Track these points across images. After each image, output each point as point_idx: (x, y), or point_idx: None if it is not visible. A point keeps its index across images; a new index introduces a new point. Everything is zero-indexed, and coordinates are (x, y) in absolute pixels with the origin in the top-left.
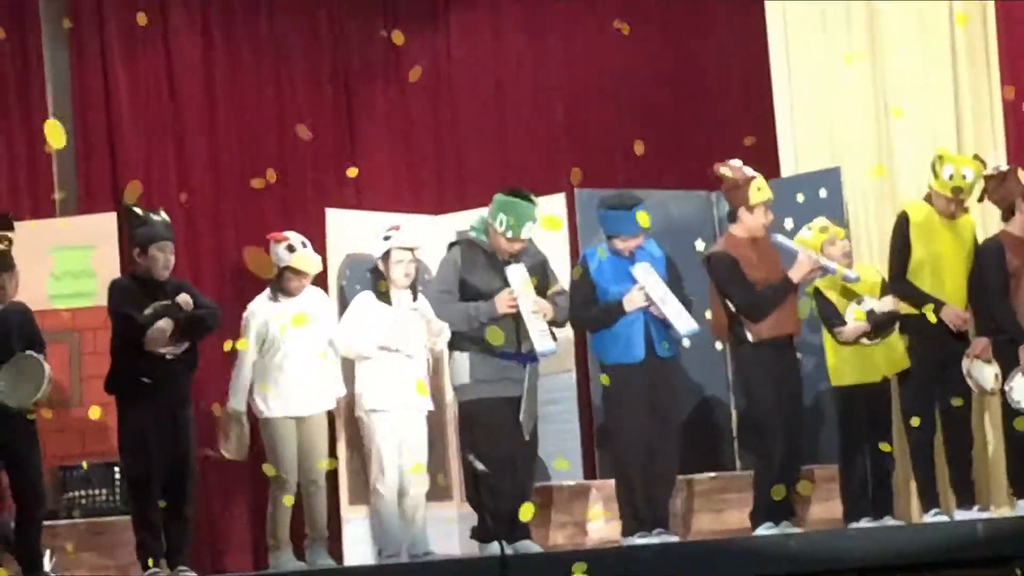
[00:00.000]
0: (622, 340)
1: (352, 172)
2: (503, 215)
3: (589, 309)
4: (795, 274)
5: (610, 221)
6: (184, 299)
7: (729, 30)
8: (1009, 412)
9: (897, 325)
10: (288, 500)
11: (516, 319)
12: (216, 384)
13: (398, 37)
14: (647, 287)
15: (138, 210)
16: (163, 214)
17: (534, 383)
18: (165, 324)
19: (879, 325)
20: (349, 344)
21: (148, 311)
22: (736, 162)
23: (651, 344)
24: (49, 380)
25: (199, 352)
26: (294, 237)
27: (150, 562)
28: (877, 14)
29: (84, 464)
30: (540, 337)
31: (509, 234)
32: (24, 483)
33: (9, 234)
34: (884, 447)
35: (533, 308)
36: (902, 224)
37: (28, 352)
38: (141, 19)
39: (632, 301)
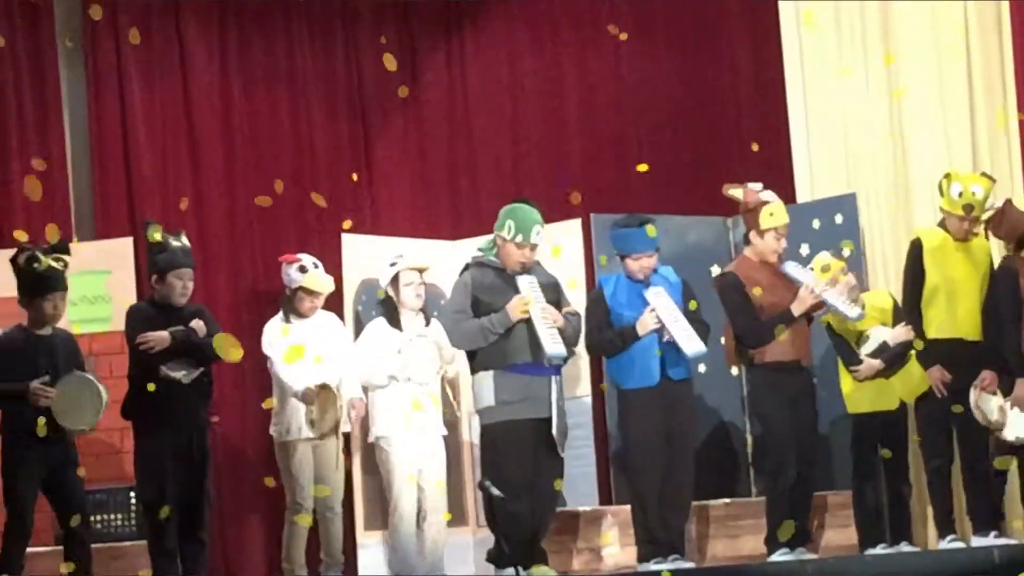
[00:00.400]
0: (638, 365)
1: (354, 177)
2: (509, 221)
3: (604, 333)
4: (796, 308)
5: (621, 239)
6: (198, 325)
7: (744, 55)
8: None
9: (912, 354)
10: (306, 520)
11: (530, 330)
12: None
13: (390, 62)
14: (658, 309)
15: (158, 235)
16: (183, 239)
17: (561, 396)
18: (162, 336)
19: (893, 359)
20: (361, 374)
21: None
22: (756, 185)
23: (664, 368)
24: (106, 403)
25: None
26: (306, 258)
27: None
28: (892, 37)
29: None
30: (551, 341)
31: (519, 239)
32: (72, 506)
33: (66, 258)
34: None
35: (543, 314)
36: (915, 250)
37: (85, 374)
38: (134, 36)
39: (644, 324)
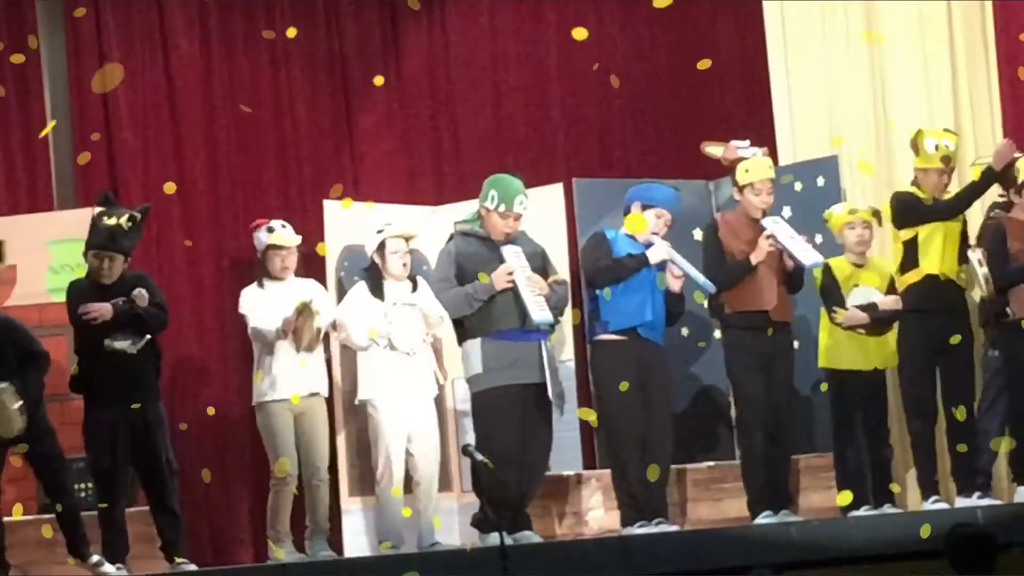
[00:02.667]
0: (634, 302)
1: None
2: (493, 191)
3: (610, 260)
4: (754, 256)
5: (653, 191)
6: (139, 294)
7: (726, 19)
8: (1013, 403)
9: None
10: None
11: (517, 298)
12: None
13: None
14: (667, 249)
15: (98, 210)
16: (122, 219)
17: (553, 359)
18: (104, 307)
19: (879, 321)
20: (346, 333)
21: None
22: (741, 142)
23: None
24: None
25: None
26: (274, 221)
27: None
28: (875, 4)
29: None
30: (537, 308)
31: (502, 208)
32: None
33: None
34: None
35: (528, 283)
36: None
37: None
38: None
39: (656, 252)
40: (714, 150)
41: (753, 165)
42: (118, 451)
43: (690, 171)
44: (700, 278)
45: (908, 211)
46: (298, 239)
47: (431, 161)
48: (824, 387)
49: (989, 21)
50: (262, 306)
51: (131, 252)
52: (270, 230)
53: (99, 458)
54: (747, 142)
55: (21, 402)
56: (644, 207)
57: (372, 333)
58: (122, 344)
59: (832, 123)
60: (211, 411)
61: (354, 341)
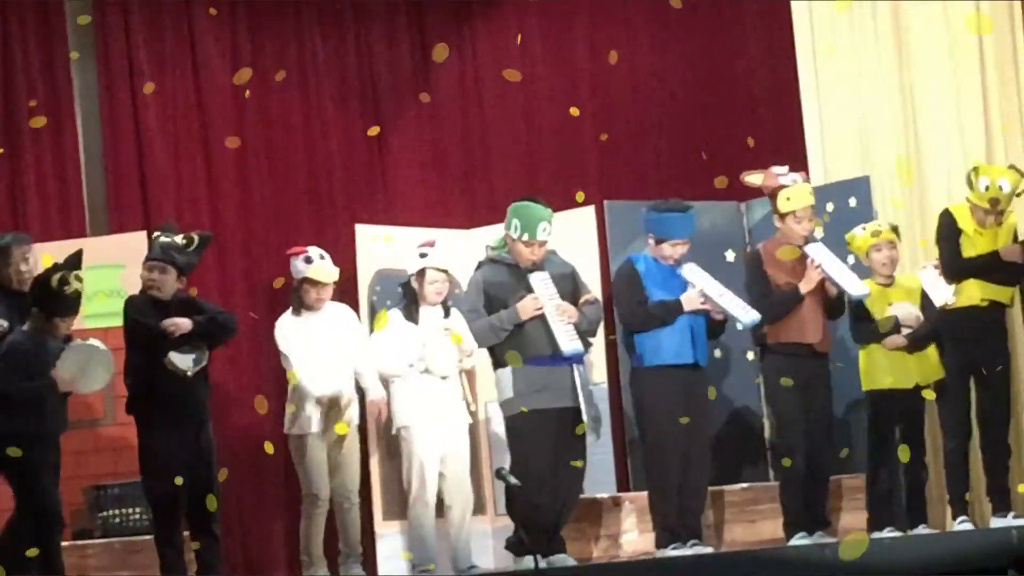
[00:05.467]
0: (672, 341)
1: (374, 131)
2: (516, 220)
3: (644, 307)
4: (803, 285)
5: (663, 223)
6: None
7: (757, 41)
8: None
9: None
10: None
11: (546, 325)
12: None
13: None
14: (702, 285)
15: (156, 232)
16: (169, 237)
17: (587, 383)
18: (184, 321)
19: (918, 340)
20: (380, 363)
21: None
22: (780, 169)
23: (697, 351)
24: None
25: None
26: (313, 250)
27: None
28: (904, 19)
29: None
30: (565, 338)
31: (525, 237)
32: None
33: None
34: (903, 454)
35: (557, 312)
36: (948, 218)
37: (89, 341)
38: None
39: (690, 300)
40: (754, 179)
41: (794, 193)
42: (174, 473)
43: (721, 192)
44: (742, 316)
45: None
46: (335, 274)
47: (463, 184)
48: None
49: (1021, 45)
50: (296, 336)
51: (187, 272)
52: (308, 260)
53: (157, 482)
54: (786, 168)
55: (111, 357)
56: (659, 241)
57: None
58: (184, 362)
59: (863, 144)
60: (270, 448)
61: (388, 370)
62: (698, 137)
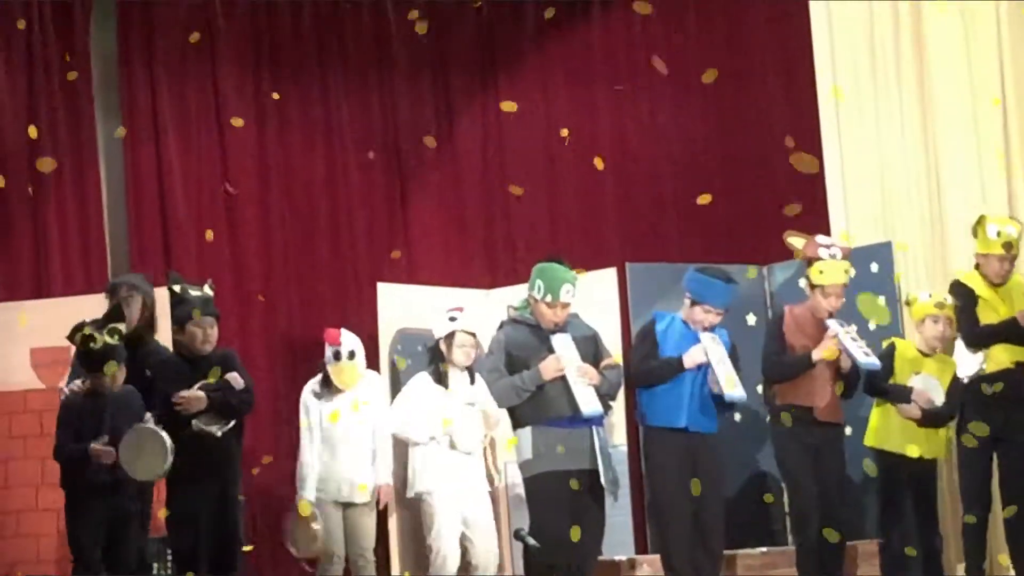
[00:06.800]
0: (667, 402)
1: (396, 255)
2: (539, 281)
3: (647, 363)
4: (816, 352)
5: (704, 286)
6: (234, 379)
7: (779, 104)
8: None
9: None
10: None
11: (567, 386)
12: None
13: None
14: (708, 348)
15: (176, 288)
16: (207, 289)
17: (606, 445)
18: (198, 395)
19: (934, 418)
20: (402, 428)
21: (195, 390)
22: (824, 239)
23: (692, 417)
24: (172, 450)
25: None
26: (346, 344)
27: None
28: (929, 84)
29: None
30: (586, 400)
31: (548, 299)
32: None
33: (120, 326)
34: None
35: (578, 374)
36: (961, 287)
37: (147, 425)
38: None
39: (692, 357)
40: (796, 241)
41: (828, 268)
42: (201, 530)
43: (743, 255)
44: (732, 388)
45: (959, 317)
46: (358, 378)
47: (484, 243)
48: (867, 465)
49: None
50: (315, 428)
51: None
52: (337, 356)
53: (183, 537)
54: (831, 239)
55: (170, 442)
56: (694, 303)
57: (446, 423)
58: (210, 426)
59: (885, 209)
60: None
61: (412, 437)
62: (720, 200)
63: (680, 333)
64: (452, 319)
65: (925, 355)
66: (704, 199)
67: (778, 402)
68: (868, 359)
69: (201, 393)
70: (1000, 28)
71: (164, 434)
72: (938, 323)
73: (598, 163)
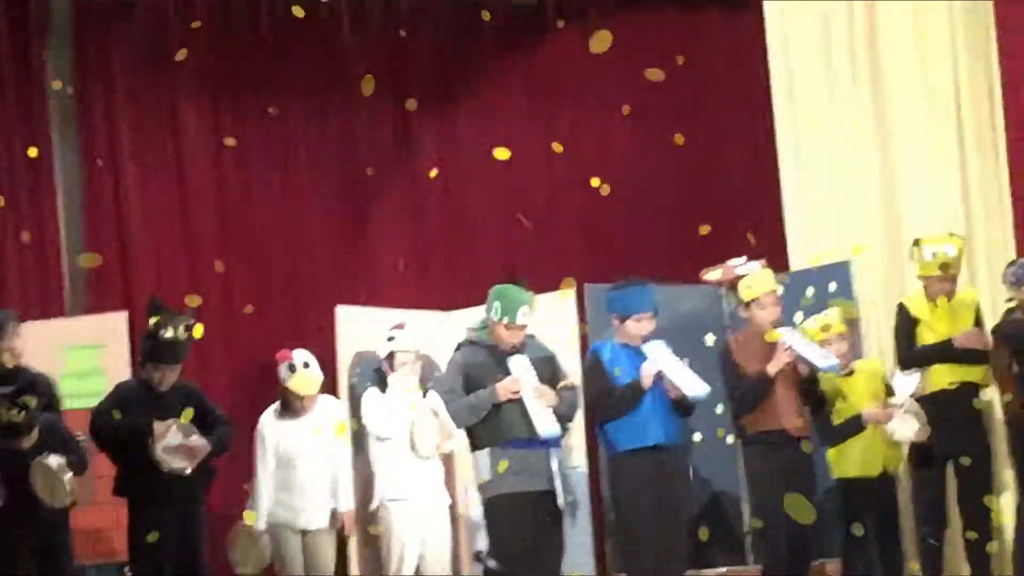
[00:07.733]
0: (637, 423)
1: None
2: (496, 303)
3: (610, 396)
4: (771, 367)
5: (622, 301)
6: (199, 444)
7: (737, 126)
8: None
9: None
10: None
11: (524, 408)
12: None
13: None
14: (658, 357)
15: (153, 320)
16: (180, 330)
17: (564, 467)
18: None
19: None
20: (374, 425)
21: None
22: (738, 260)
23: (659, 430)
24: (67, 479)
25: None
26: (298, 357)
27: None
28: (884, 104)
29: None
30: (542, 420)
31: (505, 320)
32: None
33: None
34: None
35: (536, 394)
36: (900, 310)
37: (38, 459)
38: None
39: (647, 373)
40: (712, 275)
41: (754, 280)
42: (163, 554)
43: (697, 275)
44: (694, 391)
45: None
46: (316, 385)
47: (443, 265)
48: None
49: (999, 112)
50: (270, 455)
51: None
52: (292, 369)
53: (145, 561)
54: (743, 259)
55: (71, 474)
56: (622, 319)
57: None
58: (180, 464)
59: (843, 228)
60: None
61: (376, 431)
62: (678, 221)
63: (626, 357)
64: (390, 339)
65: (847, 376)
66: (703, 230)
67: (748, 431)
68: (827, 361)
69: (204, 444)
70: (954, 29)
71: (54, 461)
72: (832, 344)
73: (605, 189)
